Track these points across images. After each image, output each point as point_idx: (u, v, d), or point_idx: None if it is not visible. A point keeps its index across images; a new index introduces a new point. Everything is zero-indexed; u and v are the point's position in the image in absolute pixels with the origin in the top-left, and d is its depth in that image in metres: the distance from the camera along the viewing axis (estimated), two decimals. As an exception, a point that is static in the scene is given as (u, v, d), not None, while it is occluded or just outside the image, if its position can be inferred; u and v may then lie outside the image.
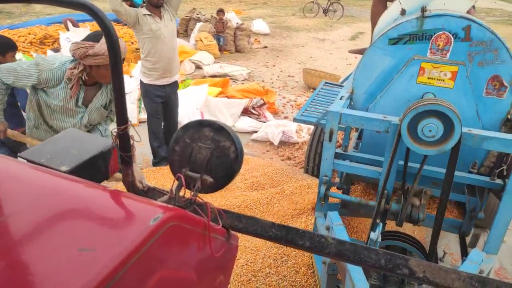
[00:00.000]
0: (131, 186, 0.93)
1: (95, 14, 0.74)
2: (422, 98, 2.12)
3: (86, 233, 0.59)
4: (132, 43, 8.64)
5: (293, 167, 4.31)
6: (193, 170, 0.85)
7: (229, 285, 2.34)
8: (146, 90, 3.86)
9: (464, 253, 2.46)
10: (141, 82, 3.91)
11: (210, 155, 0.85)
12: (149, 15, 3.55)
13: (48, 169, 0.82)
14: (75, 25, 8.43)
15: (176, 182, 0.82)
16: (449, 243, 3.21)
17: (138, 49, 8.13)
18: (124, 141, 0.87)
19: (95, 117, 2.47)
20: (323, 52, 10.38)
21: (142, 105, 5.45)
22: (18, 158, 0.89)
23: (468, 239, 2.60)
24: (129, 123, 0.85)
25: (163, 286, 0.65)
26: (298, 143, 4.94)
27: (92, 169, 0.95)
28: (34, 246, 0.56)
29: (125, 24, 10.36)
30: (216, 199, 3.29)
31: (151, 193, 0.95)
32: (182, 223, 0.68)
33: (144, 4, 3.65)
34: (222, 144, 0.85)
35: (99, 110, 2.46)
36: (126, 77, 6.63)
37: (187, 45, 8.80)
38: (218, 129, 0.85)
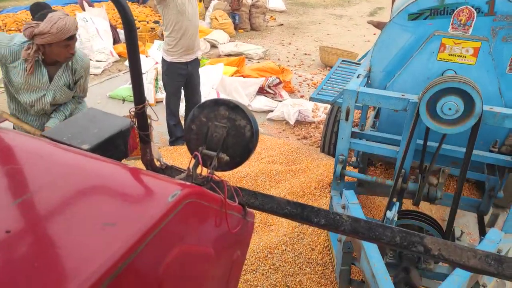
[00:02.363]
0: (150, 164, 0.95)
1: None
2: (442, 75, 2.06)
3: (109, 209, 0.61)
4: (148, 22, 8.63)
5: (309, 146, 4.30)
6: (209, 149, 0.87)
7: (246, 261, 2.40)
8: (168, 68, 3.89)
9: (482, 233, 2.44)
10: (163, 60, 3.93)
11: (226, 134, 0.86)
12: None
13: (70, 147, 0.84)
14: (91, 5, 8.44)
15: (193, 160, 0.83)
16: (467, 222, 3.19)
17: (153, 28, 8.15)
18: (141, 121, 0.88)
19: (59, 96, 2.46)
20: (340, 29, 10.13)
21: (159, 85, 5.49)
22: (42, 137, 0.92)
23: (486, 219, 2.57)
24: (146, 102, 0.86)
25: (182, 259, 0.67)
26: (314, 122, 4.91)
27: (112, 148, 0.97)
28: (60, 220, 0.59)
29: (140, 3, 10.33)
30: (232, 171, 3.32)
31: (169, 171, 0.97)
32: (199, 200, 0.70)
33: None
34: (237, 123, 0.86)
35: (63, 89, 2.45)
36: (142, 57, 6.65)
37: (202, 24, 8.73)
38: (234, 108, 0.86)
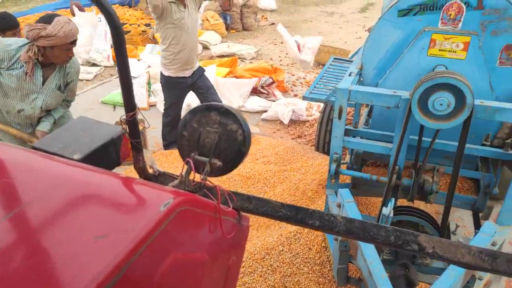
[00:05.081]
0: (142, 172, 0.95)
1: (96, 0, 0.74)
2: (433, 71, 2.07)
3: (100, 221, 0.61)
4: (139, 25, 8.59)
5: (303, 145, 4.31)
6: (201, 154, 0.87)
7: (244, 263, 2.40)
8: (166, 82, 3.78)
9: (477, 226, 2.45)
10: (161, 74, 3.80)
11: (218, 139, 0.86)
12: (173, 2, 3.43)
13: (61, 158, 0.84)
14: (81, 9, 8.39)
15: (186, 167, 0.83)
16: (462, 215, 3.21)
17: (145, 31, 8.12)
18: (133, 128, 0.88)
19: (51, 100, 2.48)
20: (332, 27, 10.16)
21: (152, 88, 5.47)
22: (32, 149, 0.91)
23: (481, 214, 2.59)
24: (137, 109, 0.86)
25: (176, 268, 0.67)
26: (308, 121, 4.91)
27: (104, 156, 0.97)
28: (51, 234, 0.58)
29: (131, 6, 10.29)
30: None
31: (162, 178, 0.97)
32: (192, 207, 0.70)
33: None
34: (229, 128, 0.85)
35: (54, 92, 2.47)
36: (134, 61, 6.63)
37: (193, 26, 8.71)
38: (225, 112, 0.86)
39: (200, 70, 3.92)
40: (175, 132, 4.17)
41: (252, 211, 0.91)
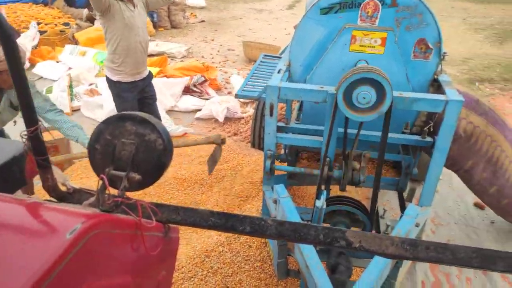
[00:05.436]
0: (53, 190, 0.85)
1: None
2: (355, 66, 2.16)
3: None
4: (56, 24, 7.96)
5: (240, 143, 4.30)
6: (118, 169, 0.79)
7: (183, 268, 2.33)
8: (116, 88, 3.39)
9: (402, 209, 2.64)
10: (108, 79, 3.41)
11: (136, 151, 0.79)
12: (121, 0, 3.11)
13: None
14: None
15: (100, 184, 0.76)
16: (389, 198, 3.43)
17: (63, 31, 7.54)
18: (37, 144, 0.78)
19: (6, 117, 2.51)
20: (261, 23, 10.28)
21: (74, 92, 5.10)
22: None
23: (406, 194, 2.78)
24: (39, 123, 0.76)
25: (93, 298, 0.61)
26: (243, 118, 4.92)
27: (6, 176, 0.86)
28: None
29: (46, 4, 9.49)
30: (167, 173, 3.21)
31: (77, 195, 0.88)
32: (107, 229, 0.64)
33: None
34: (147, 138, 0.79)
35: (8, 110, 2.47)
36: (52, 63, 6.13)
37: (118, 23, 8.27)
38: (141, 121, 0.79)
39: (150, 76, 3.61)
40: None
41: (180, 223, 0.87)
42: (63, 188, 0.88)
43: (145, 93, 3.56)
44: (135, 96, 3.47)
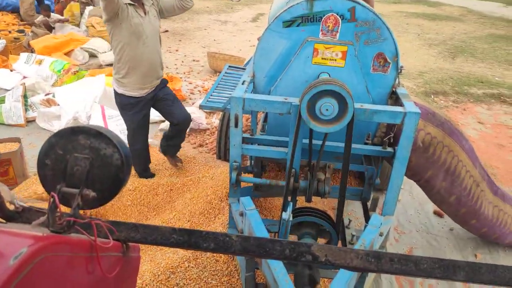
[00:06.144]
0: (0, 211, 0.79)
1: None
2: (318, 78, 2.20)
3: None
4: (10, 31, 7.59)
5: (205, 154, 4.25)
6: (71, 185, 0.74)
7: (147, 287, 2.24)
8: (122, 101, 3.16)
9: (367, 218, 2.69)
10: (114, 91, 3.19)
11: (90, 166, 0.75)
12: (131, 5, 2.89)
13: None
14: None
15: (51, 202, 0.71)
16: (354, 208, 3.50)
17: (18, 38, 7.20)
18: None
19: None
20: (226, 35, 10.32)
21: (29, 102, 4.86)
22: None
23: (370, 204, 2.85)
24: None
25: (40, 329, 0.55)
26: (208, 129, 4.87)
27: None
28: None
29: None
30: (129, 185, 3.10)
31: (27, 214, 0.81)
32: (57, 252, 0.59)
33: None
34: (103, 152, 0.75)
35: None
36: (6, 71, 5.83)
37: (78, 32, 8.01)
38: (96, 135, 0.75)
39: (163, 82, 3.36)
40: (144, 161, 3.50)
41: (140, 241, 0.83)
42: (10, 207, 0.82)
43: (158, 97, 3.29)
44: (144, 107, 3.21)
